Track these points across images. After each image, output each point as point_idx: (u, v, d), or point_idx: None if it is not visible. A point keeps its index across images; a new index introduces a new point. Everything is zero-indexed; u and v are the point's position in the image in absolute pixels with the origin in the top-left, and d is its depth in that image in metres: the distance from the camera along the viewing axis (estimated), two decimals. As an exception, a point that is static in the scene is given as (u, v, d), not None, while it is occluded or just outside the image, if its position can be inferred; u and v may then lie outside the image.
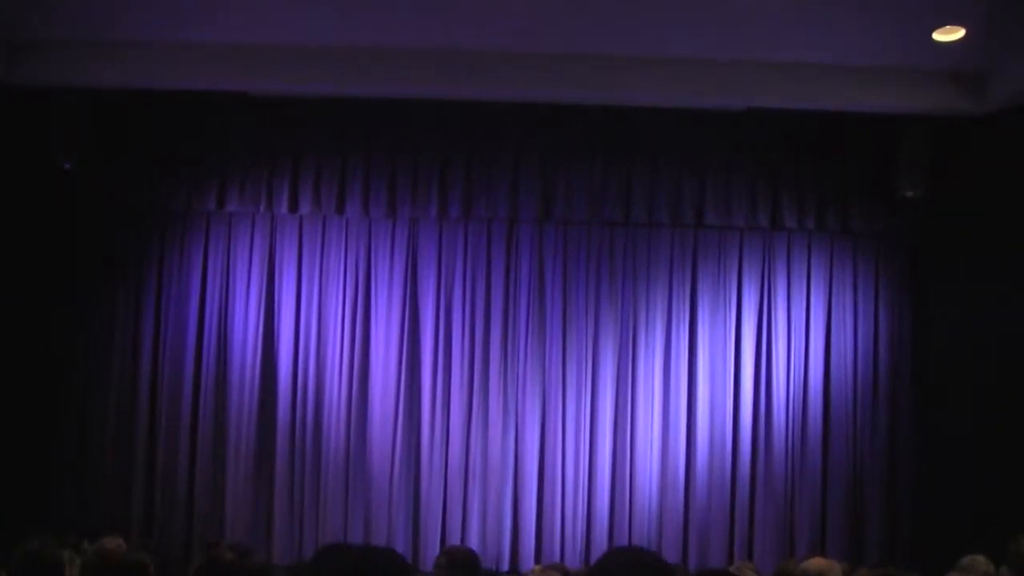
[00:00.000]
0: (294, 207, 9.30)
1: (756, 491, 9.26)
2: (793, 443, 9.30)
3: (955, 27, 7.69)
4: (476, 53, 8.34)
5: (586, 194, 9.26)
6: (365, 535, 9.07)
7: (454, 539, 9.10)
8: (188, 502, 9.17)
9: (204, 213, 9.47)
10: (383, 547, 3.34)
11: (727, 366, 9.39)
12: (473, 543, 9.11)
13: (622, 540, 9.09)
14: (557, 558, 8.79)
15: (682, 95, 8.66)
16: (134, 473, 9.17)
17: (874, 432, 9.29)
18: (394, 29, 8.04)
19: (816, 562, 4.23)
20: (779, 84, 8.48)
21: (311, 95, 8.95)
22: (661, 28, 7.90)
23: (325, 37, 8.22)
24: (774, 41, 8.05)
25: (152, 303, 9.40)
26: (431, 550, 9.01)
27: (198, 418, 9.27)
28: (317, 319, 9.44)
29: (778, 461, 9.27)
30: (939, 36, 7.80)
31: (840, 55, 8.25)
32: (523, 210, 9.33)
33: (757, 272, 9.49)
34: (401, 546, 8.92)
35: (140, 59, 8.42)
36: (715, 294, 9.48)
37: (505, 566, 9.09)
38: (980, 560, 5.06)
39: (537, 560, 8.91)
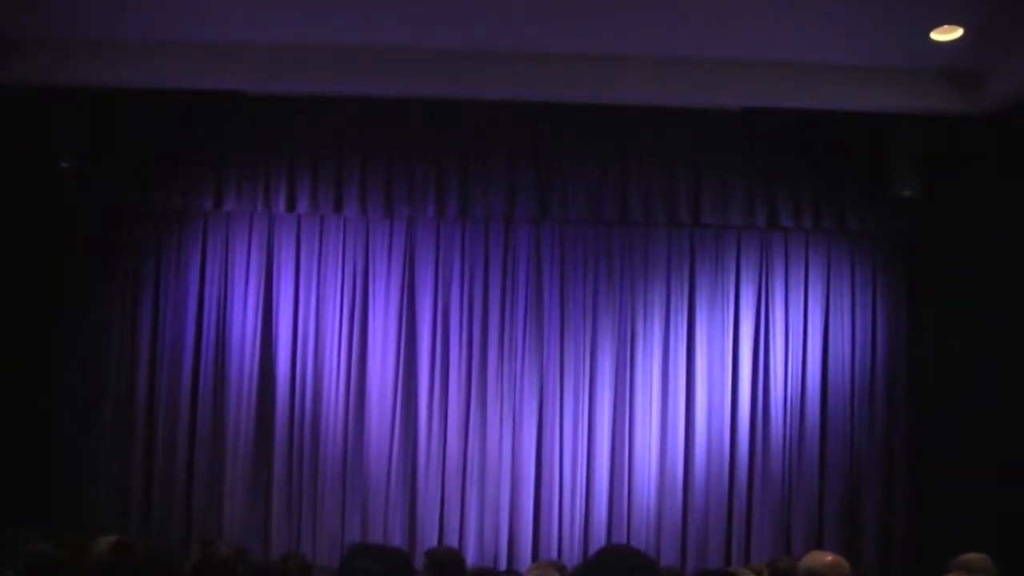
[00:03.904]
0: (291, 206, 9.28)
1: (754, 491, 9.27)
2: (790, 442, 9.31)
3: (953, 27, 7.69)
4: (473, 53, 8.34)
5: (583, 193, 9.25)
6: (362, 534, 9.07)
7: (451, 538, 9.10)
8: (186, 501, 9.16)
9: (201, 213, 9.44)
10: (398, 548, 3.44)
11: (725, 365, 9.39)
12: (470, 543, 9.13)
13: (620, 541, 9.07)
14: (554, 558, 8.79)
15: (678, 94, 8.67)
16: (132, 473, 9.16)
17: (871, 431, 9.29)
18: (391, 28, 8.04)
19: (824, 560, 4.14)
20: (775, 83, 8.49)
21: (308, 94, 8.96)
22: (657, 27, 7.91)
23: (321, 36, 8.21)
24: (770, 40, 8.05)
25: (149, 303, 9.38)
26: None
27: (196, 417, 9.26)
28: (315, 318, 9.44)
29: (775, 460, 9.28)
30: (937, 36, 7.81)
31: (837, 54, 8.26)
32: (520, 210, 9.31)
33: (754, 271, 9.49)
34: (398, 545, 8.90)
35: (136, 58, 8.41)
36: (712, 293, 9.48)
37: (503, 566, 9.08)
38: (978, 558, 5.05)
39: (534, 560, 8.90)
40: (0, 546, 5.33)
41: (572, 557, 8.99)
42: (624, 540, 9.05)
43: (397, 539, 9.06)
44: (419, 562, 5.25)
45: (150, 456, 9.23)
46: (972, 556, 5.09)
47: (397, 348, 9.41)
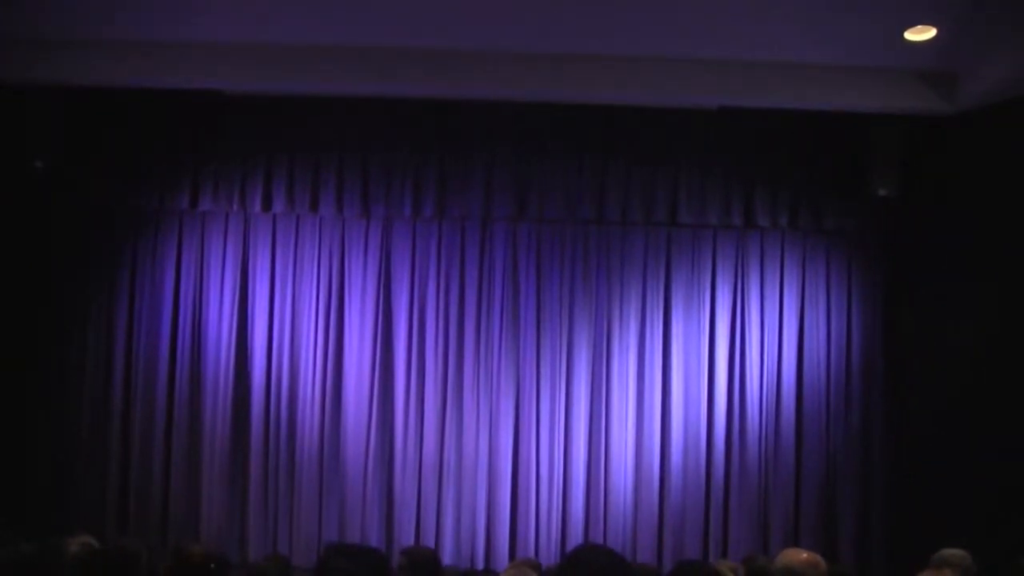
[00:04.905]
0: (267, 206, 9.25)
1: (730, 488, 9.29)
2: (766, 440, 9.33)
3: (926, 27, 7.73)
4: (450, 52, 8.33)
5: (560, 193, 9.25)
6: (339, 533, 9.05)
7: (428, 538, 9.08)
8: (163, 501, 9.12)
9: (177, 212, 9.39)
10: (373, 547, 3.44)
11: (701, 364, 9.41)
12: (447, 542, 9.13)
13: (597, 538, 9.08)
14: (532, 557, 8.78)
15: (655, 94, 8.69)
16: (108, 473, 9.11)
17: (847, 429, 9.33)
18: (369, 28, 8.03)
19: (799, 557, 4.14)
20: (752, 83, 8.52)
21: (285, 94, 8.93)
22: (634, 27, 7.92)
23: (299, 36, 8.19)
24: (746, 40, 8.07)
25: (125, 303, 9.33)
26: (405, 549, 9.00)
27: (172, 417, 9.22)
28: (291, 318, 9.40)
29: (752, 458, 9.30)
30: (910, 36, 7.85)
31: (812, 54, 8.29)
32: (497, 209, 9.31)
33: (730, 270, 9.50)
34: (375, 544, 8.88)
35: (113, 57, 8.37)
36: (689, 292, 9.49)
37: (480, 564, 9.08)
38: (957, 553, 5.08)
39: (511, 559, 8.90)
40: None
41: (549, 556, 8.99)
42: (601, 538, 9.06)
43: (374, 539, 9.05)
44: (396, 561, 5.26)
45: (126, 456, 9.18)
46: (951, 552, 5.12)
47: (373, 347, 9.38)
